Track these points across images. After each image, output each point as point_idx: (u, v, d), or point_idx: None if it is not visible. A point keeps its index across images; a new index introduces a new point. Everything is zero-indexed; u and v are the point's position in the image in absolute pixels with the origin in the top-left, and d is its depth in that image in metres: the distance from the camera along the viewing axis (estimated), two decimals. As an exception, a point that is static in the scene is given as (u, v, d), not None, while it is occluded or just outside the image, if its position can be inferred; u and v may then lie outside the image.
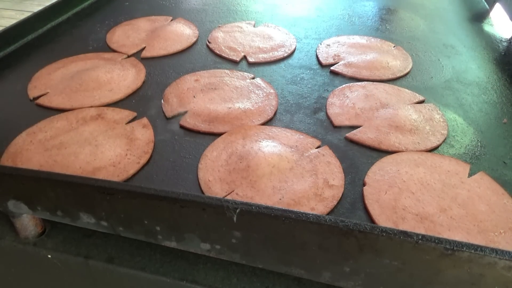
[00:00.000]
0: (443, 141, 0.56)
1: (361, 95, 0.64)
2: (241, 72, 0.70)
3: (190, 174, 0.50)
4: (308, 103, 0.64)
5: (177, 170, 0.51)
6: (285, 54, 0.77)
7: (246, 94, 0.64)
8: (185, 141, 0.56)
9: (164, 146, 0.55)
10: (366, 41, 0.82)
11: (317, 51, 0.78)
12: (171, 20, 0.90)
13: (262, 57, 0.76)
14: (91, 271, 0.44)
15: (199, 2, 1.02)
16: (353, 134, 0.56)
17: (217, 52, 0.77)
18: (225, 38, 0.82)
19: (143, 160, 0.51)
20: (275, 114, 0.61)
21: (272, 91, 0.65)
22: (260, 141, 0.54)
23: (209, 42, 0.81)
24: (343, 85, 0.68)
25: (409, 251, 0.31)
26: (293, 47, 0.80)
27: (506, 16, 0.92)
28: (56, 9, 0.88)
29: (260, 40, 0.82)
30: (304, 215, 0.32)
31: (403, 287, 0.34)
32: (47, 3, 0.86)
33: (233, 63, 0.74)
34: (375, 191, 0.47)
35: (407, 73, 0.72)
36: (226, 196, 0.47)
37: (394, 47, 0.80)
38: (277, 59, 0.76)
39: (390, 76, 0.71)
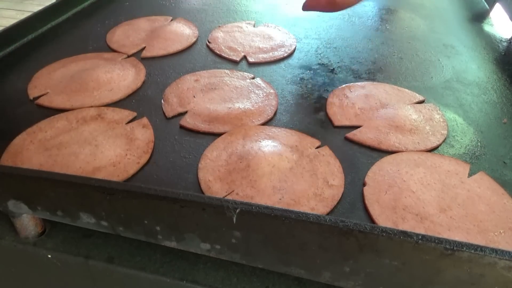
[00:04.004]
0: (443, 141, 0.56)
1: (361, 95, 0.64)
2: (241, 72, 0.70)
3: (190, 174, 0.50)
4: (308, 103, 0.64)
5: (177, 170, 0.51)
6: (285, 54, 0.77)
7: (246, 94, 0.64)
8: (185, 141, 0.56)
9: (164, 146, 0.55)
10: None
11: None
12: (171, 20, 0.90)
13: (262, 57, 0.76)
14: (91, 271, 0.44)
15: (199, 2, 1.02)
16: (353, 134, 0.56)
17: (217, 52, 0.77)
18: (225, 38, 0.82)
19: (143, 160, 0.51)
20: (275, 114, 0.61)
21: (272, 91, 0.65)
22: (260, 141, 0.54)
23: (209, 42, 0.81)
24: (343, 85, 0.68)
25: (409, 251, 0.31)
26: (293, 47, 0.80)
27: (506, 16, 0.92)
28: (56, 9, 0.88)
29: (260, 40, 0.82)
30: (304, 215, 0.32)
31: (403, 287, 0.34)
32: (47, 3, 0.86)
33: (233, 63, 0.74)
34: (375, 191, 0.47)
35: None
36: (226, 196, 0.47)
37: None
38: (277, 59, 0.76)
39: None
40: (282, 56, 0.77)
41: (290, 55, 0.78)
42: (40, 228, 0.46)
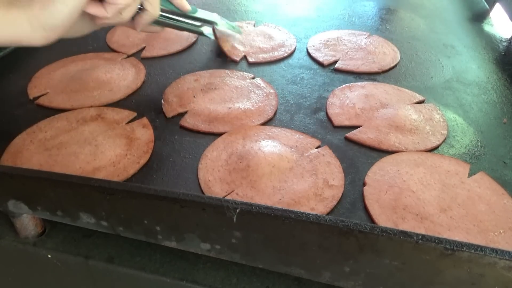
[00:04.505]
0: (443, 141, 0.56)
1: (361, 95, 0.64)
2: (241, 72, 0.70)
3: (190, 174, 0.50)
4: (308, 103, 0.64)
5: (177, 170, 0.51)
6: (285, 54, 0.77)
7: (246, 94, 0.64)
8: (185, 141, 0.56)
9: (164, 146, 0.55)
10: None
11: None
12: (171, 20, 0.90)
13: (262, 57, 0.76)
14: (91, 271, 0.44)
15: (199, 2, 1.02)
16: (353, 134, 0.56)
17: (217, 52, 0.77)
18: (225, 38, 0.82)
19: (143, 160, 0.51)
20: (275, 114, 0.61)
21: (272, 91, 0.65)
22: (260, 141, 0.54)
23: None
24: (343, 85, 0.68)
25: (409, 251, 0.31)
26: (293, 47, 0.80)
27: (506, 16, 0.92)
28: (56, 9, 0.88)
29: (260, 40, 0.82)
30: (304, 215, 0.32)
31: (403, 287, 0.34)
32: (47, 3, 0.86)
33: (233, 63, 0.74)
34: (375, 191, 0.47)
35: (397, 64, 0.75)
36: (226, 196, 0.47)
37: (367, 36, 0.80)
38: (277, 59, 0.76)
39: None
40: (282, 56, 0.77)
41: (290, 55, 0.78)
42: (40, 228, 0.46)
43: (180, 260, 0.43)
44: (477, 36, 0.87)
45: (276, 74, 0.71)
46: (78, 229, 0.44)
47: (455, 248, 0.30)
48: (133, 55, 0.76)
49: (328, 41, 0.82)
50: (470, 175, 0.50)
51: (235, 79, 0.68)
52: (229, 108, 0.61)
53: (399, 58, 0.77)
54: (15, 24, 0.43)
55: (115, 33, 0.83)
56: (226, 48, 0.74)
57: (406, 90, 0.67)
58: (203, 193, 0.48)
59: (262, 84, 0.67)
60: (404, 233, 0.31)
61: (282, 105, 0.63)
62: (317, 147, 0.54)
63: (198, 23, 0.72)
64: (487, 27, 0.92)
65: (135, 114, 0.60)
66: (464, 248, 0.30)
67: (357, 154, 0.54)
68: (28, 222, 0.44)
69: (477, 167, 0.52)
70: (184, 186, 0.49)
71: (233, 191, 0.47)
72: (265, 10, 0.98)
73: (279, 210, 0.33)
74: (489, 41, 0.85)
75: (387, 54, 0.77)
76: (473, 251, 0.30)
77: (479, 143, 0.56)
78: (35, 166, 0.50)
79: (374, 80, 0.70)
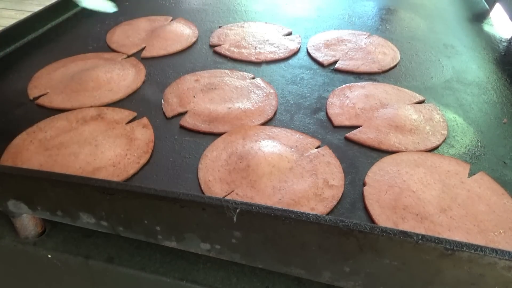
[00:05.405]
0: (443, 141, 0.56)
1: (361, 95, 0.64)
2: (241, 72, 0.70)
3: (190, 174, 0.50)
4: (308, 103, 0.64)
5: (177, 170, 0.51)
6: (285, 54, 0.77)
7: (246, 94, 0.64)
8: (185, 141, 0.56)
9: (164, 146, 0.55)
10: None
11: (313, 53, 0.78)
12: (171, 20, 0.90)
13: (262, 56, 0.76)
14: (91, 271, 0.44)
15: (199, 2, 1.02)
16: (353, 134, 0.56)
17: (223, 53, 0.77)
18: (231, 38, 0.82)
19: (143, 160, 0.51)
20: (275, 114, 0.61)
21: (272, 91, 0.65)
22: (260, 141, 0.54)
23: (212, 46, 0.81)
24: (343, 85, 0.68)
25: (409, 251, 0.31)
26: (294, 47, 0.80)
27: (506, 16, 0.92)
28: (56, 9, 0.88)
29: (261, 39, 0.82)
30: (304, 215, 0.32)
31: (403, 287, 0.34)
32: (47, 3, 0.86)
33: (233, 63, 0.74)
34: (375, 191, 0.47)
35: (397, 64, 0.75)
36: (226, 196, 0.47)
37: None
38: (277, 59, 0.76)
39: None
40: (282, 56, 0.77)
41: (290, 55, 0.78)
42: (40, 228, 0.46)
43: (180, 260, 0.43)
44: (477, 36, 0.87)
45: (276, 74, 0.71)
46: (78, 229, 0.44)
47: (455, 248, 0.30)
48: (133, 55, 0.76)
49: (328, 41, 0.82)
50: (470, 175, 0.50)
51: (235, 79, 0.68)
52: (229, 108, 0.61)
53: (399, 58, 0.77)
54: None
55: (115, 33, 0.83)
56: None
57: (406, 90, 0.67)
58: (203, 193, 0.48)
59: (262, 84, 0.67)
60: (404, 233, 0.31)
61: (282, 105, 0.63)
62: (317, 147, 0.54)
63: None
64: (487, 27, 0.92)
65: (135, 114, 0.60)
66: (464, 248, 0.30)
67: (357, 154, 0.54)
68: (28, 222, 0.44)
69: (477, 167, 0.52)
70: (184, 186, 0.49)
71: (233, 191, 0.47)
72: (265, 10, 0.98)
73: (279, 210, 0.33)
74: (489, 41, 0.85)
75: (387, 54, 0.77)
76: (473, 251, 0.30)
77: (479, 143, 0.56)
78: (35, 166, 0.50)
79: (374, 80, 0.70)
